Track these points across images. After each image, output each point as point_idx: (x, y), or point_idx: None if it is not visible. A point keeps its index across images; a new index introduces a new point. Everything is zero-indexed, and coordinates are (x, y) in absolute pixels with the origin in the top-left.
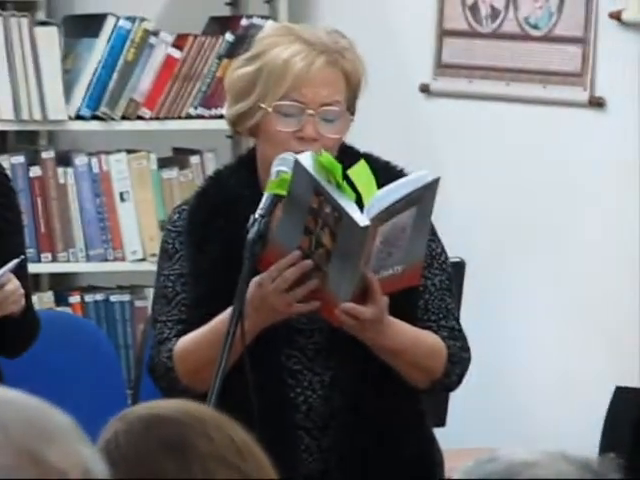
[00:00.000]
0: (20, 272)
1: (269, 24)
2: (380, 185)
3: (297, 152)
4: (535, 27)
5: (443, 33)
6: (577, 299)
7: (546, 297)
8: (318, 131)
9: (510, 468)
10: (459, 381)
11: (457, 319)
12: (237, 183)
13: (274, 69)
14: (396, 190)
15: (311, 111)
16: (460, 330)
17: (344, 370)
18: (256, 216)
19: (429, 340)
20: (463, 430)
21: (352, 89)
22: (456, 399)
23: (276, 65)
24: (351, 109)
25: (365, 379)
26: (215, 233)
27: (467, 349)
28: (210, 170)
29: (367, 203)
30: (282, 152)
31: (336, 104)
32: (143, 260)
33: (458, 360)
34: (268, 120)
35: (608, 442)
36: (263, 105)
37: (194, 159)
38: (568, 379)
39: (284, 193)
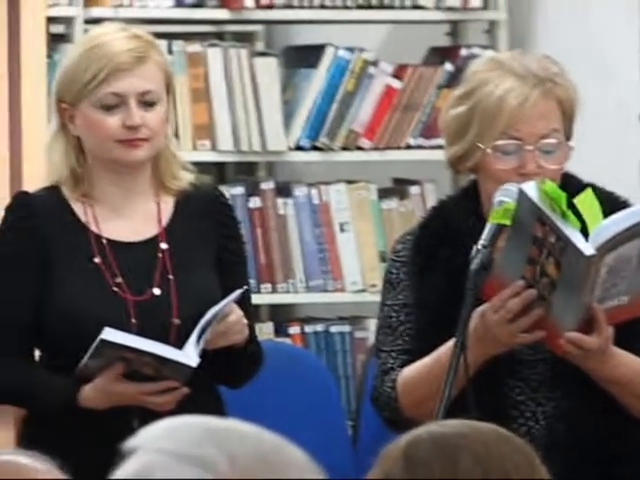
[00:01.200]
0: (244, 303)
1: (487, 54)
2: (604, 215)
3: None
4: None
5: None
6: None
7: None
8: (539, 164)
9: None
10: None
11: None
12: (462, 214)
13: (488, 108)
14: (622, 220)
15: (530, 146)
16: None
17: (568, 401)
18: (479, 246)
19: None
20: None
21: (567, 115)
22: None
23: (490, 104)
24: (568, 135)
25: (589, 410)
26: (440, 263)
27: None
28: (430, 201)
29: (592, 232)
30: None
31: (554, 134)
32: (363, 291)
33: None
34: (487, 160)
35: None
36: (481, 145)
37: (414, 189)
38: None
39: (508, 223)
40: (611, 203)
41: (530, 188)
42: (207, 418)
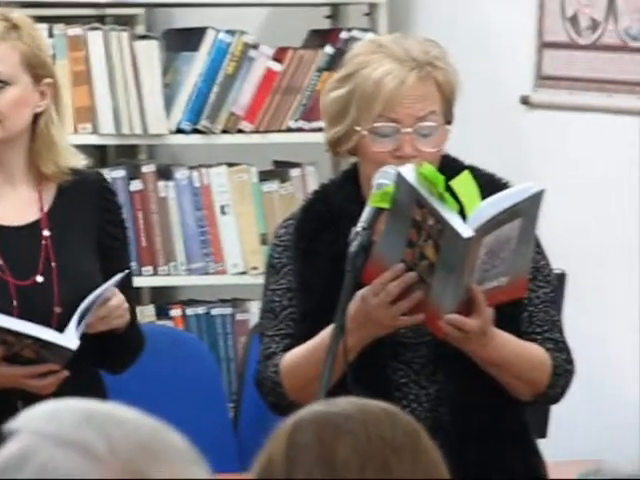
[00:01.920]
0: (125, 287)
1: (367, 37)
2: (484, 197)
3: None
4: (635, 38)
5: (543, 45)
6: None
7: None
8: (416, 147)
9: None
10: (563, 393)
11: (561, 331)
12: (343, 197)
13: (365, 91)
14: (500, 201)
15: (407, 129)
16: (564, 342)
17: (450, 383)
18: (358, 229)
19: (533, 352)
20: (564, 441)
21: (446, 98)
22: (557, 410)
23: (367, 87)
24: (447, 117)
25: (471, 392)
26: (322, 247)
27: (571, 361)
28: (311, 183)
29: (470, 214)
30: None
31: (431, 116)
32: (244, 273)
33: (562, 372)
34: (365, 142)
35: None
36: (358, 128)
37: (295, 172)
38: None
39: (387, 206)
40: (491, 185)
41: (408, 171)
42: (88, 402)
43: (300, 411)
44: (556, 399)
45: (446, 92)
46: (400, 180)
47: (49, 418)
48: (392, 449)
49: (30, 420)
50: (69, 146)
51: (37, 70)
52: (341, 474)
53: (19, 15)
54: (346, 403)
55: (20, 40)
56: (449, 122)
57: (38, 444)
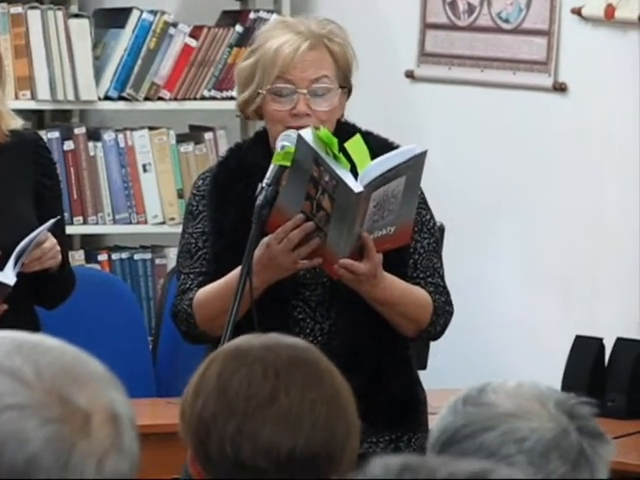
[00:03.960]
0: (58, 233)
1: (274, 17)
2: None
3: (295, 127)
4: (506, 21)
5: (426, 26)
6: (541, 260)
7: (513, 258)
8: (310, 106)
9: (492, 419)
10: (443, 331)
11: (442, 277)
12: (254, 154)
13: (267, 58)
14: (387, 161)
15: (302, 90)
16: (445, 286)
17: (342, 319)
18: (263, 184)
19: (417, 294)
20: (441, 373)
21: (341, 67)
22: (436, 345)
23: (268, 55)
24: (345, 85)
25: (360, 327)
26: (234, 197)
27: (450, 303)
28: (222, 145)
29: (361, 172)
30: (282, 129)
31: (324, 79)
32: (163, 223)
33: (442, 312)
34: (266, 103)
35: (568, 382)
36: (261, 91)
37: (208, 135)
38: (534, 329)
39: (288, 164)
40: (385, 148)
41: (307, 133)
42: (19, 333)
43: (227, 344)
44: (436, 336)
45: (341, 62)
46: (300, 141)
47: None
48: (284, 384)
49: None
50: (9, 111)
51: None
52: (231, 400)
53: None
54: (261, 342)
55: None
56: (347, 89)
57: None
